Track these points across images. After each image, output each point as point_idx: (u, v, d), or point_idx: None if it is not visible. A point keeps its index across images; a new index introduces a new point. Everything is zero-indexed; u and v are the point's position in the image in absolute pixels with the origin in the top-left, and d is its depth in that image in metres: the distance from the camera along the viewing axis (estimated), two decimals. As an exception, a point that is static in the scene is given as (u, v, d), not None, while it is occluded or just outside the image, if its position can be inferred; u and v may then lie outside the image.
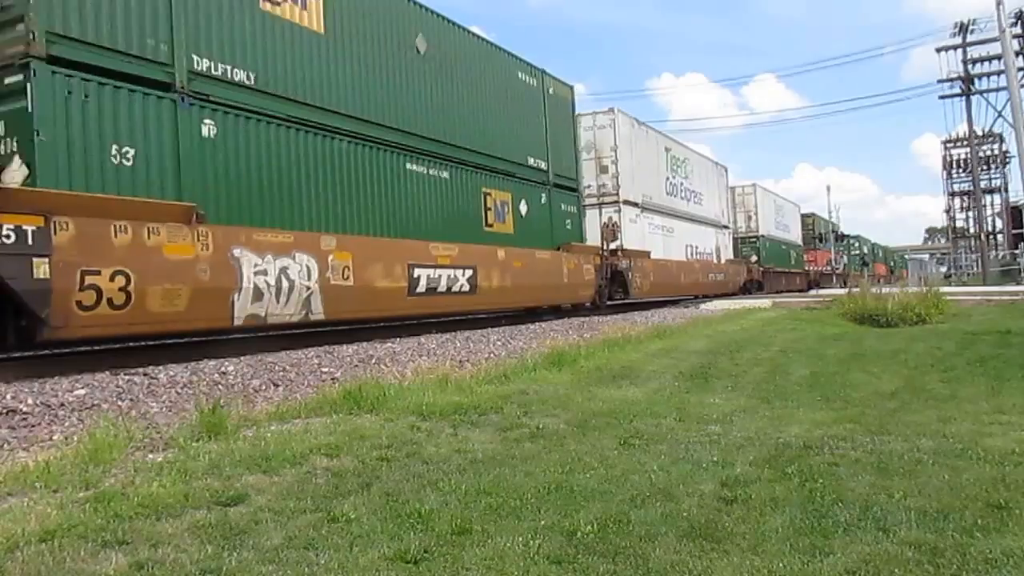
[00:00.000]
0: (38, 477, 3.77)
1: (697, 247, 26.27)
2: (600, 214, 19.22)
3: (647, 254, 20.77)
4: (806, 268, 43.54)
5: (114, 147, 7.55)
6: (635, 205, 20.45)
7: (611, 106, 19.93)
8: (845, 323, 14.27)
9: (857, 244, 66.79)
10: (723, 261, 29.39)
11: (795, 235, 41.95)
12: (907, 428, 4.90)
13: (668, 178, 23.73)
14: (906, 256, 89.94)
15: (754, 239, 34.06)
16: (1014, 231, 41.68)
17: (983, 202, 43.95)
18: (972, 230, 47.08)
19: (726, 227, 30.54)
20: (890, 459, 4.07)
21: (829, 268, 50.79)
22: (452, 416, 5.40)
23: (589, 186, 19.15)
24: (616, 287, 18.78)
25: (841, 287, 43.79)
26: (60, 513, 3.25)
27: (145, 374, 6.92)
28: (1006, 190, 47.20)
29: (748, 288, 32.14)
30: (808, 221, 47.16)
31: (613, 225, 19.12)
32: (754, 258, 33.44)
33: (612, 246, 18.74)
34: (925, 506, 3.25)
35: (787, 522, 3.10)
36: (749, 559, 2.74)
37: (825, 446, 4.41)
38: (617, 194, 19.58)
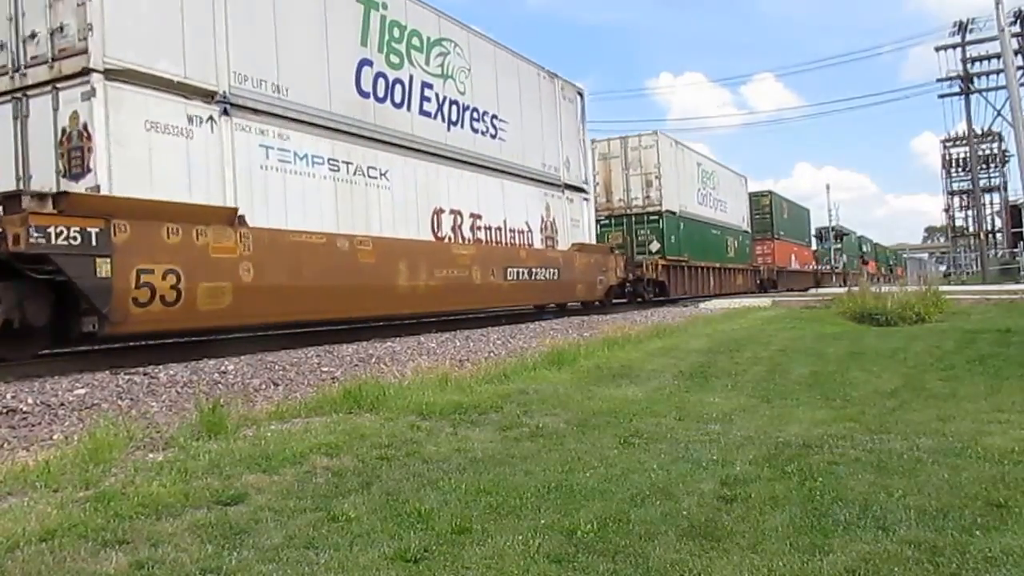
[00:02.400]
0: (38, 476, 3.77)
1: (480, 217, 13.69)
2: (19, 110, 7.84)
3: (228, 215, 8.62)
4: (755, 264, 33.84)
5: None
6: (196, 94, 8.49)
7: None
8: (844, 322, 14.27)
9: (840, 238, 59.18)
10: (566, 247, 16.75)
11: (737, 218, 31.48)
12: (907, 427, 4.90)
13: (366, 60, 11.24)
14: (904, 255, 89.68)
15: (655, 217, 22.80)
16: (1013, 230, 41.74)
17: (982, 201, 43.97)
18: (971, 229, 47.09)
19: (578, 190, 17.80)
20: (890, 458, 4.07)
21: (797, 265, 40.78)
22: (452, 415, 5.41)
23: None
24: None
25: (813, 288, 37.17)
26: (60, 512, 3.25)
27: (145, 373, 6.93)
28: (1005, 189, 47.29)
29: (638, 292, 21.74)
30: (762, 202, 36.39)
31: (76, 134, 7.52)
32: (655, 246, 22.47)
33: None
34: (925, 505, 3.26)
35: (787, 521, 3.10)
36: (749, 558, 2.75)
37: (825, 445, 4.41)
38: (85, 46, 7.49)
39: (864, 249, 66.21)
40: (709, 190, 27.87)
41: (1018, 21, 33.90)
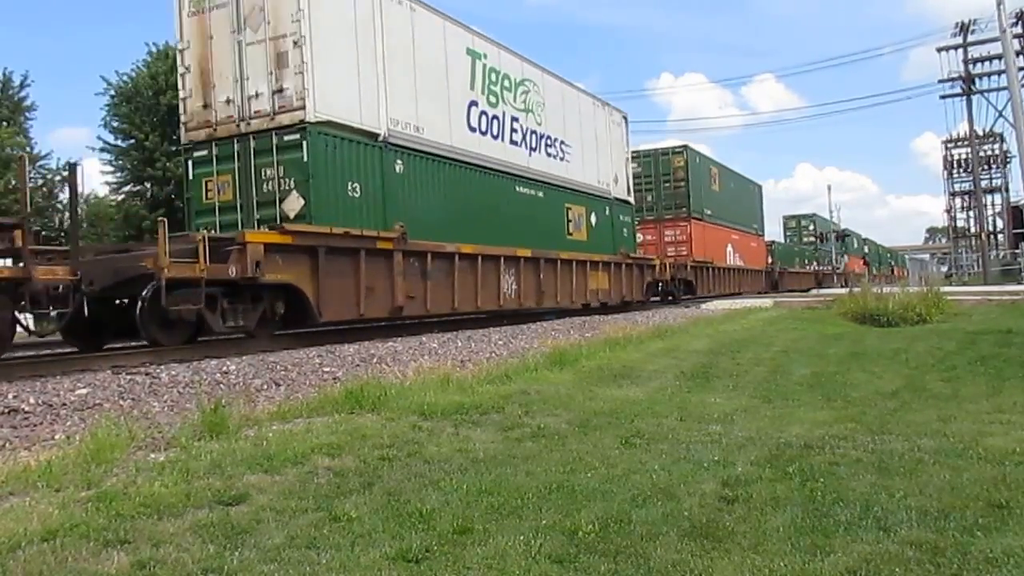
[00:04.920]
0: (40, 476, 3.77)
1: None
2: None
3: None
4: (640, 256, 20.75)
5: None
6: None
7: None
8: (846, 323, 14.27)
9: (812, 228, 49.48)
10: None
11: (600, 177, 18.79)
12: (908, 427, 4.90)
13: None
14: (906, 256, 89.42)
15: (294, 138, 10.11)
16: (1015, 231, 41.60)
17: (984, 202, 43.91)
18: (973, 230, 47.00)
19: None
20: (891, 459, 4.07)
21: (739, 261, 29.97)
22: (454, 416, 5.41)
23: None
24: None
25: (764, 293, 28.88)
26: (62, 512, 3.25)
27: (147, 373, 6.94)
28: (1007, 190, 47.12)
29: (156, 321, 8.44)
30: (673, 163, 24.81)
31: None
32: (295, 203, 10.17)
33: None
34: (926, 505, 3.26)
35: (788, 521, 3.10)
36: (750, 558, 2.75)
37: (826, 445, 4.41)
38: None
39: (859, 248, 60.92)
40: (511, 110, 15.05)
41: (1019, 22, 33.86)
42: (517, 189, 15.35)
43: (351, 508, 3.33)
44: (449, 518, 3.18)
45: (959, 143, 46.32)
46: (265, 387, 6.76)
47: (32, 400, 5.64)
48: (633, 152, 23.34)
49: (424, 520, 3.18)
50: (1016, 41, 31.81)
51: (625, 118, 20.94)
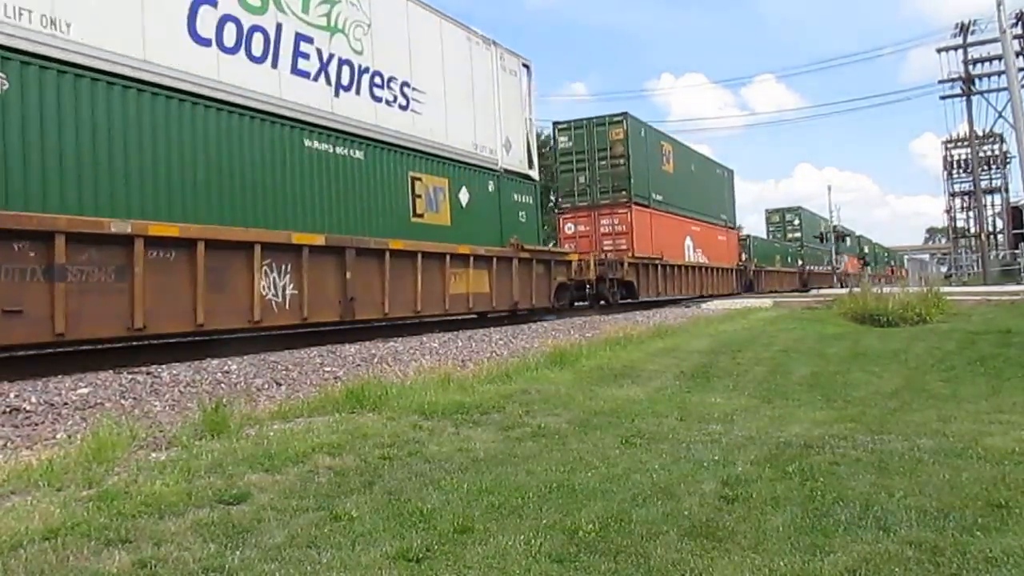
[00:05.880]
0: (41, 475, 3.78)
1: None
2: None
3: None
4: (541, 250, 15.86)
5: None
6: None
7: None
8: (846, 323, 14.27)
9: (797, 223, 44.41)
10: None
11: (478, 142, 13.97)
12: (907, 427, 4.91)
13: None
14: (905, 256, 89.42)
15: None
16: (1014, 231, 41.64)
17: (983, 202, 43.93)
18: (973, 230, 47.01)
19: None
20: (890, 458, 4.08)
21: (701, 257, 25.49)
22: (454, 415, 5.42)
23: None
24: None
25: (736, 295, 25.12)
26: (63, 511, 3.26)
27: (148, 373, 6.94)
28: (1006, 190, 47.19)
29: None
30: (611, 135, 20.35)
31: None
32: None
33: None
34: (925, 505, 3.26)
35: (788, 521, 3.11)
36: (750, 558, 2.75)
37: (826, 445, 4.42)
38: None
39: (854, 247, 58.54)
40: (296, 24, 10.15)
41: (1019, 23, 33.88)
42: (306, 143, 10.22)
43: (352, 507, 3.34)
44: (450, 517, 3.19)
45: (959, 144, 46.38)
46: (266, 386, 6.77)
47: (34, 399, 5.65)
48: (562, 122, 20.63)
49: (425, 519, 3.19)
50: (1016, 41, 31.83)
51: (527, 66, 15.65)
